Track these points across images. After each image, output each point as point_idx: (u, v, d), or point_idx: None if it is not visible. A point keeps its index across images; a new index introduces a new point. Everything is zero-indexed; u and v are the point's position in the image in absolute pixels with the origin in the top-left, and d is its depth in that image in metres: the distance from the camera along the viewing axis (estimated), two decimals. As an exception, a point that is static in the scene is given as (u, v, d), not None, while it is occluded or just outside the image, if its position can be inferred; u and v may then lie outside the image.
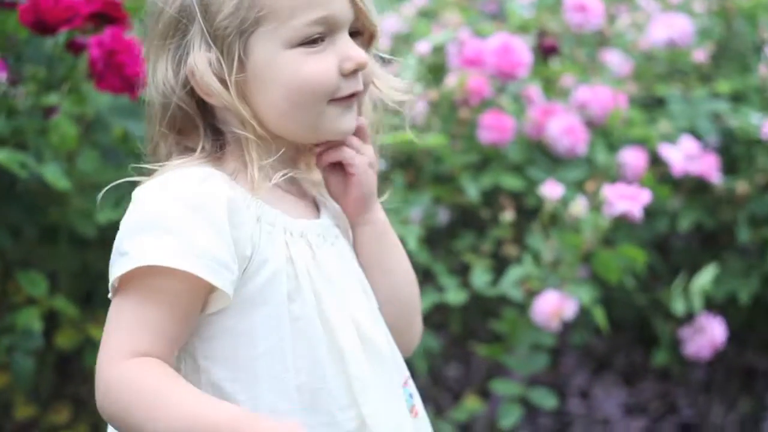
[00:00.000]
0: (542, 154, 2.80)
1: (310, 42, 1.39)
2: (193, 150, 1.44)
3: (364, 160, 1.51)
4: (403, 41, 3.01)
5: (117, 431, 1.33)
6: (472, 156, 2.73)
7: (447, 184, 2.72)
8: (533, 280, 2.59)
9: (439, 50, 2.84)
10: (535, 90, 2.85)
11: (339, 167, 1.52)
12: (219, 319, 1.37)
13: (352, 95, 1.44)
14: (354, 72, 1.42)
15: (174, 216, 1.33)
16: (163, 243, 1.32)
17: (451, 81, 2.70)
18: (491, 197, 2.77)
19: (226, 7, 1.38)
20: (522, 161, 2.78)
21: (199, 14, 1.39)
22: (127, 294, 1.36)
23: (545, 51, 2.88)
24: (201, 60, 1.39)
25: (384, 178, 2.68)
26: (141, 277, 1.33)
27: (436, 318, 2.73)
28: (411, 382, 1.56)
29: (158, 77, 1.43)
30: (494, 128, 2.70)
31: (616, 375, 3.69)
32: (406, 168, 2.72)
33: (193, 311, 1.35)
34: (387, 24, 3.08)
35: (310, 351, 1.39)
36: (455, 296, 2.59)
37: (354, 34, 1.44)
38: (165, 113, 1.43)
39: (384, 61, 1.53)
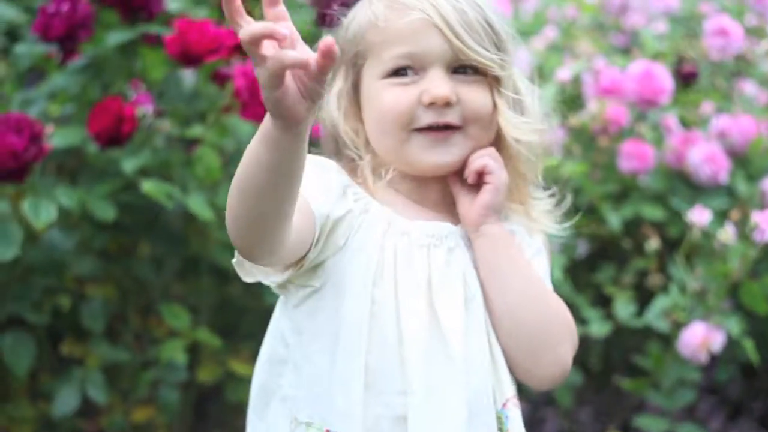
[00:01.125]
0: (683, 183, 2.74)
1: (398, 74, 1.49)
2: None
3: (504, 174, 1.53)
4: (536, 74, 2.97)
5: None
6: (612, 185, 2.68)
7: (587, 214, 2.67)
8: (679, 311, 2.52)
9: (574, 81, 2.81)
10: (672, 118, 2.80)
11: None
12: (313, 297, 1.49)
13: (442, 128, 1.49)
14: (432, 104, 1.48)
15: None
16: None
17: (590, 109, 2.66)
18: (631, 227, 2.71)
19: (349, 42, 1.54)
20: (663, 190, 2.71)
21: (345, 44, 1.54)
22: None
23: (684, 78, 2.83)
24: (335, 87, 1.56)
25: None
26: None
27: (577, 352, 2.66)
28: (513, 406, 1.53)
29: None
30: (634, 157, 2.65)
31: (753, 421, 3.57)
32: (544, 199, 2.67)
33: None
34: (518, 57, 3.06)
35: (381, 335, 1.46)
36: (599, 328, 2.53)
37: (476, 70, 1.49)
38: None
39: (515, 100, 1.53)
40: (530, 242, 1.60)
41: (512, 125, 1.51)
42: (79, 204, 2.30)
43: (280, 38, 1.18)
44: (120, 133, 2.29)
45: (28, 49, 2.65)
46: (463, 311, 1.50)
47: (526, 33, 3.49)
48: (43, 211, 2.25)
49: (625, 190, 2.73)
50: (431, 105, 1.48)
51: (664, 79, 2.67)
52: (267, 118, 1.27)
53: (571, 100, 2.79)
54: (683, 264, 2.57)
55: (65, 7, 2.45)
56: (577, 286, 2.64)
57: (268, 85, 1.21)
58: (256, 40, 1.18)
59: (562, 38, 3.22)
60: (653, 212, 2.67)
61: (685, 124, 2.83)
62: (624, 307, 2.57)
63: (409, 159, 1.51)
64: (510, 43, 1.53)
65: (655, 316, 2.54)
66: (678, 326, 2.53)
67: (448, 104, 1.48)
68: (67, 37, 2.47)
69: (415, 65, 1.49)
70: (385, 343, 1.46)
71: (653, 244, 2.57)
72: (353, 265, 1.48)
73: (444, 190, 1.56)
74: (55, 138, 2.34)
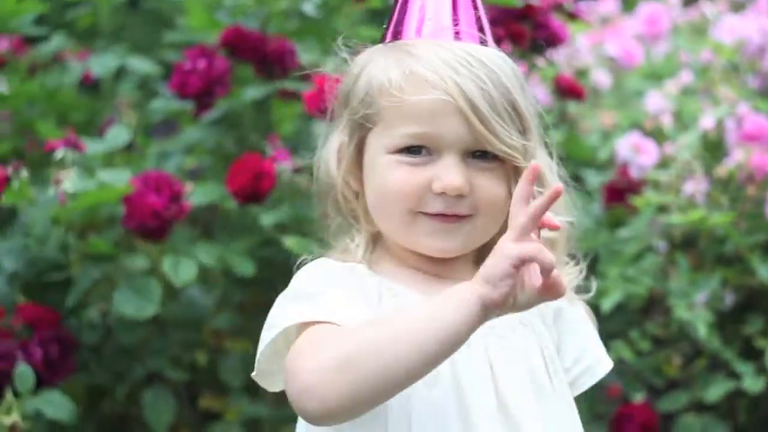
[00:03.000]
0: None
1: (409, 151, 1.39)
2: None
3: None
4: (675, 119, 2.89)
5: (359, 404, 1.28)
6: (761, 235, 2.58)
7: (733, 265, 2.58)
8: None
9: (716, 127, 2.72)
10: (820, 164, 2.69)
11: None
12: None
13: (451, 216, 1.39)
14: (443, 193, 1.38)
15: None
16: None
17: (735, 157, 2.57)
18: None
19: (356, 98, 1.43)
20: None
21: (350, 95, 1.45)
22: None
23: (834, 122, 2.72)
24: (335, 140, 1.47)
25: (668, 261, 2.59)
26: None
27: (724, 406, 2.57)
28: None
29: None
30: (787, 203, 2.55)
31: None
32: (688, 250, 2.60)
33: None
34: (650, 102, 2.98)
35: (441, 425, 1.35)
36: (753, 384, 2.43)
37: (495, 156, 1.39)
38: None
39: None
40: (577, 315, 1.52)
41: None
42: (219, 260, 2.30)
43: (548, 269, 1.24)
44: (259, 190, 2.28)
45: (164, 104, 2.68)
46: (533, 397, 1.41)
47: (657, 76, 3.41)
48: (183, 268, 2.26)
49: (773, 240, 2.64)
50: (442, 194, 1.38)
51: (812, 124, 2.58)
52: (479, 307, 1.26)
53: (714, 148, 2.70)
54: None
55: (201, 64, 2.47)
56: (725, 339, 2.55)
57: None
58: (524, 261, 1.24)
59: (698, 82, 3.13)
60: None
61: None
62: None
63: (411, 240, 1.42)
64: (534, 124, 1.43)
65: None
66: (833, 381, 2.42)
67: (460, 195, 1.38)
68: (204, 94, 2.49)
69: (429, 146, 1.38)
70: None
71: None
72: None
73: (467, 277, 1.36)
74: (194, 195, 2.35)
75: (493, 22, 2.56)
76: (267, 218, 2.31)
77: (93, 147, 2.54)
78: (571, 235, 1.49)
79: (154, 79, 3.03)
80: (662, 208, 2.59)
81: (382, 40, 1.48)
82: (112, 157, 2.62)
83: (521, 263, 1.25)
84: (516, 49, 2.58)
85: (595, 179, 2.83)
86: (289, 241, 2.21)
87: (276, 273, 2.42)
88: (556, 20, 2.76)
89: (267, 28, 2.67)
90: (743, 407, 2.62)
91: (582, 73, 3.15)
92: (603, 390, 2.58)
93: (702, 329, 2.40)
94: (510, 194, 1.37)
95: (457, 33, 1.43)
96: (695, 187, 2.55)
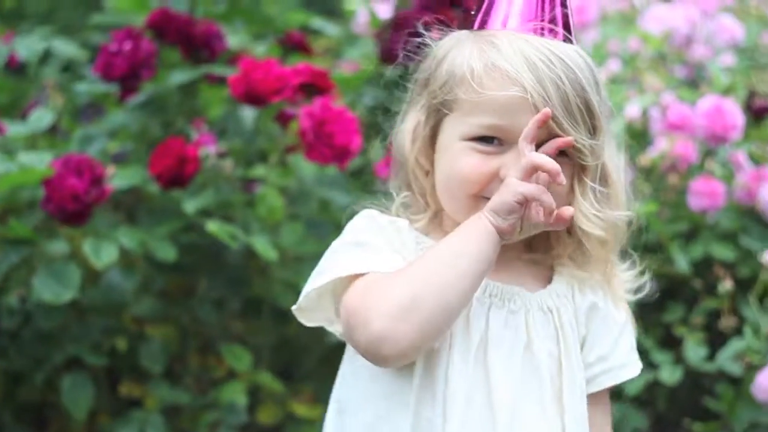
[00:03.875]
0: (754, 221, 2.66)
1: (482, 139, 1.43)
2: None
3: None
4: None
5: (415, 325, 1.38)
6: (682, 224, 2.61)
7: (655, 254, 2.61)
8: (753, 354, 2.44)
9: (641, 116, 2.74)
10: (743, 154, 2.72)
11: None
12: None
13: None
14: None
15: None
16: None
17: (659, 146, 2.60)
18: (701, 267, 2.63)
19: (437, 82, 1.48)
20: (734, 229, 2.64)
21: (431, 78, 1.50)
22: None
23: (755, 113, 2.75)
24: (412, 119, 1.51)
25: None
26: None
27: (644, 395, 2.59)
28: None
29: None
30: (705, 195, 2.57)
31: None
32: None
33: None
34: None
35: (431, 391, 1.44)
36: (670, 375, 2.46)
37: (562, 152, 1.43)
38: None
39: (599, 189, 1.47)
40: (616, 316, 1.55)
41: (583, 215, 1.45)
42: (140, 245, 2.27)
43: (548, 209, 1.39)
44: (182, 174, 2.26)
45: (88, 87, 2.65)
46: (521, 384, 1.46)
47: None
48: (104, 251, 2.23)
49: (695, 229, 2.66)
50: None
51: (735, 114, 2.60)
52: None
53: (639, 136, 2.72)
54: (757, 305, 2.49)
55: (127, 47, 2.44)
56: (644, 327, 2.57)
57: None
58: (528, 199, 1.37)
59: (625, 71, 3.16)
60: (724, 252, 2.60)
61: (756, 160, 2.75)
62: (694, 350, 2.50)
63: None
64: (605, 123, 1.46)
65: (728, 359, 2.46)
66: (752, 369, 2.45)
67: None
68: (129, 76, 2.46)
69: (501, 137, 1.43)
70: (434, 399, 1.44)
71: (727, 284, 2.49)
72: None
73: (510, 254, 1.49)
74: (116, 179, 2.32)
75: (425, 8, 2.57)
76: (190, 203, 2.29)
77: (15, 129, 2.51)
78: (622, 232, 1.53)
79: (80, 62, 3.00)
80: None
81: (470, 26, 1.50)
82: (36, 140, 2.58)
83: (525, 201, 1.38)
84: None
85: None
86: (211, 226, 2.20)
87: (199, 258, 2.40)
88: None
89: (195, 12, 2.64)
90: (662, 396, 2.65)
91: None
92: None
93: (623, 317, 2.42)
94: (572, 190, 1.45)
95: (542, 29, 1.45)
96: (620, 175, 2.56)
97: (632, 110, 2.70)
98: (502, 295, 1.48)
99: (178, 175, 2.27)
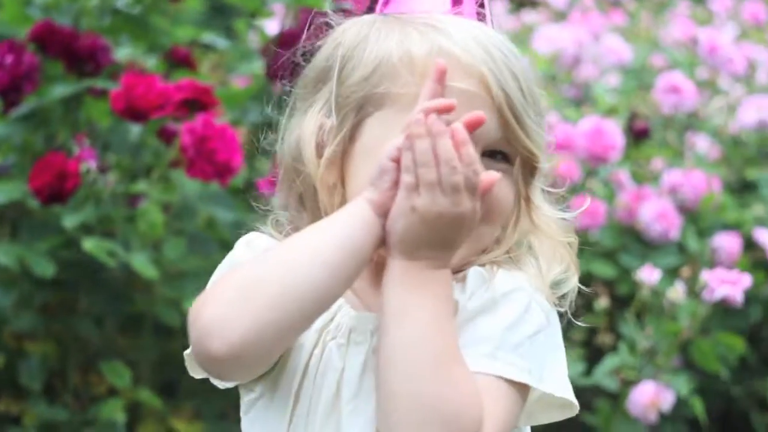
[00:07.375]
0: (634, 240, 2.72)
1: None
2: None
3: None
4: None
5: None
6: (564, 241, 2.66)
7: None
8: (628, 370, 2.50)
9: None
10: (624, 174, 2.79)
11: None
12: (255, 405, 1.22)
13: None
14: None
15: None
16: None
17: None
18: (581, 284, 2.68)
19: (355, 74, 1.18)
20: (614, 247, 2.70)
21: (336, 71, 1.20)
22: None
23: (636, 134, 2.82)
24: (311, 122, 1.20)
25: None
26: None
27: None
28: None
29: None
30: (585, 213, 2.63)
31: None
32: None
33: None
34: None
35: None
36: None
37: (505, 157, 1.19)
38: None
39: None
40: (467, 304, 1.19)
41: (545, 224, 1.25)
42: (18, 260, 2.25)
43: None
44: (62, 190, 2.24)
45: (-31, 99, 2.60)
46: None
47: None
48: (-20, 267, 2.20)
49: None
50: None
51: (615, 135, 2.67)
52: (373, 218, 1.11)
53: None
54: (633, 322, 2.55)
55: (9, 59, 2.41)
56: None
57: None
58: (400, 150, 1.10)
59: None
60: (603, 269, 2.66)
61: (637, 179, 2.82)
62: (572, 366, 2.55)
63: None
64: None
65: (604, 374, 2.52)
66: (627, 384, 2.51)
67: None
68: (11, 90, 2.42)
69: None
70: None
71: (603, 302, 2.55)
72: (285, 373, 1.19)
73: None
74: (-5, 192, 2.29)
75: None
76: (70, 219, 2.27)
77: None
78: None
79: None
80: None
81: (369, 10, 1.24)
82: None
83: (398, 153, 1.10)
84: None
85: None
86: (88, 244, 2.18)
87: (78, 274, 2.38)
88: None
89: (80, 24, 2.62)
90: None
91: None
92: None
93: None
94: (527, 201, 1.23)
95: (477, 13, 1.21)
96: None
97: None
98: (358, 326, 1.18)
99: (58, 190, 2.25)
